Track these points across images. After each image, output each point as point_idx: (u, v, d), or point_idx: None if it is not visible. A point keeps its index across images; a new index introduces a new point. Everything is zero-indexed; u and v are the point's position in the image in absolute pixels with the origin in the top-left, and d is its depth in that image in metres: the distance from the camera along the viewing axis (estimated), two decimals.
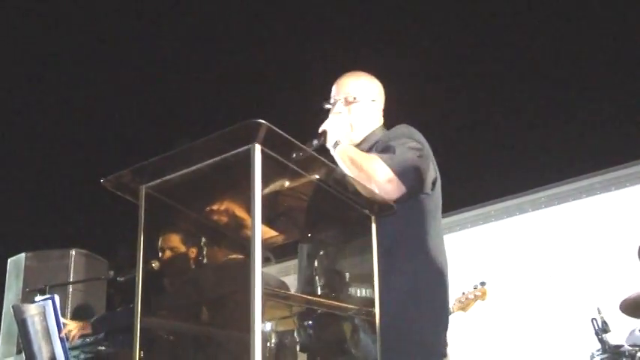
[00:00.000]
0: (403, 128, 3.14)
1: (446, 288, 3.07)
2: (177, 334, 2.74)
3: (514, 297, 6.76)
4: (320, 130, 3.08)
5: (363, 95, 3.27)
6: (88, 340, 4.77)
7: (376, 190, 2.78)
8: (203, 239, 2.94)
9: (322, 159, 2.36)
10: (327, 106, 3.26)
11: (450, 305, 5.05)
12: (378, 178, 2.85)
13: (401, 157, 2.93)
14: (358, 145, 3.15)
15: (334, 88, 3.31)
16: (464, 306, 5.25)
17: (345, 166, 2.94)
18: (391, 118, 3.32)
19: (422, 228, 3.02)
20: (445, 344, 3.03)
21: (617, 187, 6.83)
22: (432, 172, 3.05)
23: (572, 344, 6.00)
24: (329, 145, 3.04)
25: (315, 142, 3.03)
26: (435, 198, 3.10)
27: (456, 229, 7.50)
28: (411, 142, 3.03)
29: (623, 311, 4.61)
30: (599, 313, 4.84)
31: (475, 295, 5.28)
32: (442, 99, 6.95)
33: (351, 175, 2.87)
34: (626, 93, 6.55)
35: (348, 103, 3.24)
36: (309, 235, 2.98)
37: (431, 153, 3.09)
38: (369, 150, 3.08)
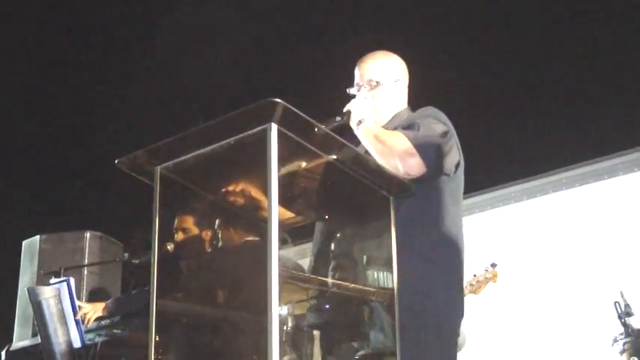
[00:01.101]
0: (429, 110, 3.13)
1: (462, 274, 3.07)
2: (193, 317, 2.74)
3: (534, 280, 6.73)
4: (344, 110, 3.07)
5: (386, 77, 3.25)
6: (103, 322, 4.78)
7: (398, 165, 2.79)
8: (218, 221, 2.94)
9: (340, 139, 2.35)
10: (352, 92, 3.24)
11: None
12: (399, 151, 2.86)
13: (424, 134, 2.93)
14: (383, 127, 3.13)
15: (357, 73, 3.29)
16: (475, 289, 5.23)
17: (368, 143, 2.95)
18: (412, 102, 3.31)
19: (441, 211, 3.01)
20: (459, 325, 3.02)
21: None
22: (456, 154, 3.04)
23: (593, 328, 5.98)
24: (353, 123, 3.03)
25: (339, 118, 3.02)
26: (457, 182, 3.09)
27: (475, 210, 7.46)
28: (437, 122, 3.03)
29: None
30: (622, 296, 4.82)
31: (486, 278, 5.26)
32: (460, 80, 6.91)
33: (374, 152, 2.89)
34: None
35: (372, 87, 3.22)
36: (326, 216, 2.97)
37: (456, 136, 3.07)
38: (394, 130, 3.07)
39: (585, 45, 6.82)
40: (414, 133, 2.94)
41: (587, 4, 6.74)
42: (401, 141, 2.88)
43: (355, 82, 3.27)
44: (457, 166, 3.06)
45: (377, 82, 3.22)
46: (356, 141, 2.99)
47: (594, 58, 6.75)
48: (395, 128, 3.09)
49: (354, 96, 3.21)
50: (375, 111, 3.14)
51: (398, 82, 3.28)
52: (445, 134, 2.98)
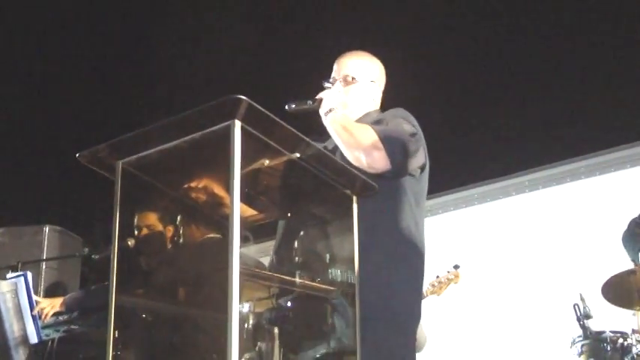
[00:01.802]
0: (399, 111, 3.17)
1: (422, 275, 3.11)
2: (152, 313, 2.74)
3: (494, 281, 6.81)
4: (317, 97, 3.09)
5: (362, 75, 3.29)
6: (61, 318, 4.76)
7: (362, 157, 2.82)
8: (180, 217, 2.93)
9: (304, 137, 2.36)
10: (327, 85, 3.26)
11: (424, 289, 5.10)
12: (365, 143, 2.87)
13: (392, 130, 2.97)
14: None
15: (335, 67, 3.33)
16: (436, 289, 5.28)
17: (334, 133, 2.98)
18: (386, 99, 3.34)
19: (404, 212, 3.05)
20: (416, 323, 3.06)
21: (601, 172, 6.87)
22: (422, 156, 3.07)
23: (552, 330, 6.05)
24: (322, 111, 3.04)
25: (310, 102, 3.06)
26: (421, 185, 3.13)
27: (439, 211, 7.52)
28: (405, 122, 3.06)
29: (604, 296, 4.65)
30: (582, 298, 4.88)
31: (448, 279, 5.31)
32: (431, 79, 6.94)
33: (340, 141, 2.93)
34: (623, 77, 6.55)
35: (347, 83, 3.26)
36: (289, 214, 2.98)
37: (423, 140, 3.11)
38: None
39: (556, 45, 6.88)
40: (382, 127, 2.97)
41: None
42: (368, 133, 2.91)
43: (332, 76, 3.30)
44: (422, 168, 3.10)
45: (352, 78, 3.26)
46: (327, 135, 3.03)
47: (582, 57, 6.80)
48: None
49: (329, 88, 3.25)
50: (345, 105, 3.16)
51: (373, 84, 3.31)
52: (413, 135, 3.01)
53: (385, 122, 3.04)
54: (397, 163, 2.91)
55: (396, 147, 2.90)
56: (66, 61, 8.06)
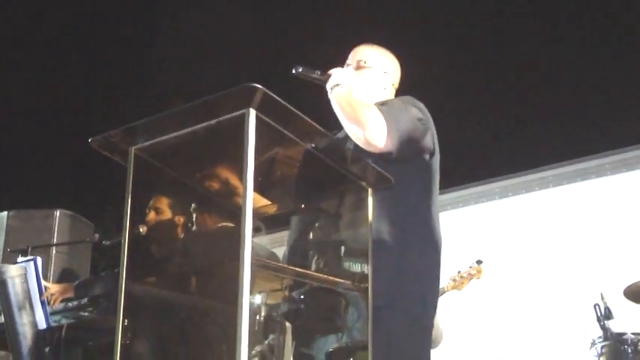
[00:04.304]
0: (407, 98, 3.17)
1: (438, 267, 3.10)
2: (163, 302, 2.76)
3: (514, 278, 6.80)
4: (328, 72, 3.11)
5: (375, 63, 3.30)
6: (70, 304, 4.79)
7: (362, 132, 2.85)
8: (193, 205, 2.96)
9: (319, 127, 2.38)
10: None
11: (445, 284, 5.11)
12: (366, 119, 2.88)
13: (398, 112, 2.97)
14: None
15: (350, 55, 3.35)
16: (458, 284, 5.28)
17: (337, 106, 2.99)
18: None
19: (415, 200, 3.05)
20: (432, 318, 3.07)
21: (627, 169, 6.85)
22: (429, 142, 3.07)
23: (572, 330, 6.06)
24: (329, 85, 3.06)
25: (318, 72, 3.08)
26: (431, 171, 3.13)
27: (459, 205, 7.52)
28: (411, 107, 3.06)
29: (628, 298, 4.65)
30: (603, 298, 4.88)
31: (470, 274, 5.31)
32: (449, 72, 6.95)
33: (342, 115, 2.94)
34: None
35: (359, 67, 3.27)
36: (303, 206, 3.00)
37: (432, 125, 3.12)
38: None
39: (574, 39, 6.87)
40: (388, 108, 2.98)
41: None
42: (371, 110, 2.92)
43: (346, 63, 3.32)
44: (432, 154, 3.12)
45: (365, 62, 3.27)
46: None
47: (580, 58, 6.80)
48: None
49: None
50: (354, 87, 3.15)
51: (386, 75, 3.31)
52: (419, 119, 3.02)
53: (391, 104, 3.05)
54: (400, 143, 2.90)
55: (399, 129, 2.91)
56: (82, 44, 8.11)
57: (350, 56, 3.34)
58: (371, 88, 3.26)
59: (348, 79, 3.12)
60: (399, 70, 3.40)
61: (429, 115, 3.11)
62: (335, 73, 3.10)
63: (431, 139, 3.09)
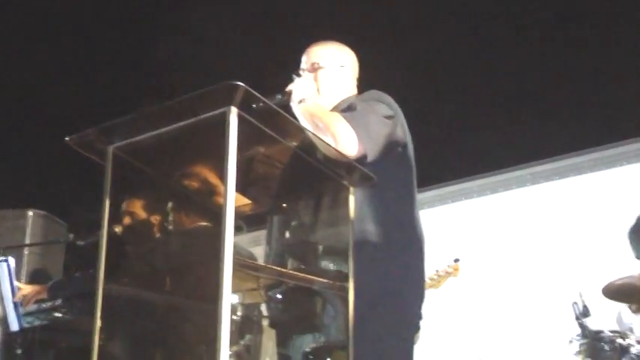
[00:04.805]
0: (373, 93, 3.20)
1: (421, 265, 3.12)
2: (140, 303, 2.75)
3: (492, 276, 6.84)
4: (286, 89, 3.13)
5: (329, 61, 3.34)
6: (44, 305, 4.77)
7: (337, 147, 2.82)
8: (170, 204, 2.95)
9: (301, 126, 2.38)
10: (295, 77, 3.29)
11: None
12: (334, 130, 2.89)
13: (362, 115, 2.98)
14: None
15: (303, 58, 3.38)
16: (435, 283, 5.32)
17: (305, 123, 3.00)
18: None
19: (391, 195, 3.05)
20: (419, 316, 3.08)
21: (606, 167, 6.90)
22: (400, 136, 3.09)
23: (550, 328, 6.10)
24: (293, 103, 3.09)
25: (279, 96, 3.09)
26: (406, 164, 3.15)
27: (436, 203, 7.55)
28: (378, 104, 3.08)
29: (606, 296, 4.69)
30: (581, 297, 4.91)
31: (447, 272, 5.35)
32: (427, 71, 6.97)
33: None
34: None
35: (314, 69, 3.31)
36: (283, 204, 3.00)
37: (402, 118, 3.13)
38: None
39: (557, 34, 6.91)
40: (352, 113, 2.99)
41: None
42: (337, 120, 2.93)
43: (300, 68, 3.35)
44: (404, 147, 3.13)
45: (319, 64, 3.31)
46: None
47: (556, 57, 6.85)
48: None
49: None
50: (318, 92, 3.21)
51: (343, 69, 3.35)
52: (387, 116, 3.04)
53: (355, 106, 3.05)
54: (372, 148, 2.91)
55: (367, 132, 2.92)
56: (53, 41, 8.04)
57: (303, 60, 3.38)
58: (332, 88, 3.31)
59: (309, 89, 3.16)
60: (356, 59, 3.44)
61: (396, 106, 3.13)
62: (295, 88, 3.14)
63: (401, 132, 3.11)
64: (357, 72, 3.42)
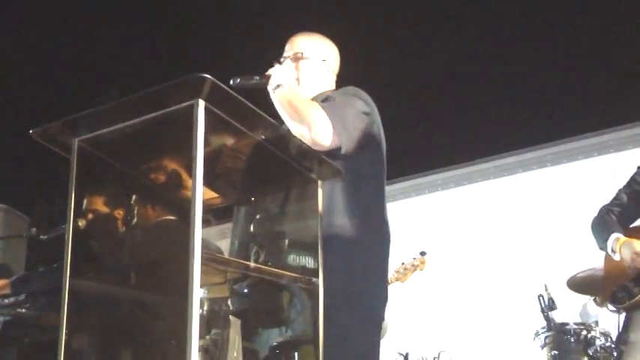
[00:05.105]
0: (350, 89, 3.21)
1: (387, 259, 3.14)
2: (107, 298, 2.73)
3: (458, 270, 6.89)
4: (266, 73, 3.14)
5: (312, 53, 3.34)
6: (7, 301, 4.72)
7: (307, 132, 2.88)
8: (135, 198, 2.93)
9: (269, 118, 2.37)
10: (277, 64, 3.30)
11: (388, 276, 5.16)
12: (310, 119, 2.91)
13: (340, 107, 3.01)
14: None
15: (287, 46, 3.38)
16: (401, 276, 5.34)
17: (281, 108, 3.04)
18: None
19: (361, 192, 3.07)
20: (383, 311, 3.10)
21: (568, 160, 6.98)
22: (375, 133, 3.12)
23: (516, 321, 6.15)
24: (270, 88, 3.10)
25: (257, 78, 3.11)
26: (378, 162, 3.16)
27: (401, 197, 7.58)
28: (355, 99, 3.09)
29: (571, 288, 4.73)
30: (546, 289, 4.97)
31: (413, 266, 5.38)
32: (392, 64, 6.98)
33: (286, 117, 2.99)
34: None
35: (296, 59, 3.31)
36: (250, 198, 3.00)
37: (377, 116, 3.16)
38: None
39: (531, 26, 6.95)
40: (330, 104, 3.01)
41: None
42: (314, 108, 2.95)
43: (282, 56, 3.35)
44: (378, 144, 3.14)
45: (302, 54, 3.31)
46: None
47: (523, 50, 6.89)
48: None
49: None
50: (298, 82, 3.23)
51: (325, 63, 3.36)
52: (364, 112, 3.06)
53: (333, 98, 3.07)
54: (346, 140, 2.93)
55: (343, 124, 2.94)
56: (17, 33, 7.96)
57: (286, 48, 3.37)
58: (312, 80, 3.31)
59: (289, 77, 3.18)
60: (338, 55, 3.45)
61: (373, 104, 3.16)
62: (274, 73, 3.15)
63: (377, 129, 3.13)
64: (337, 67, 3.43)
